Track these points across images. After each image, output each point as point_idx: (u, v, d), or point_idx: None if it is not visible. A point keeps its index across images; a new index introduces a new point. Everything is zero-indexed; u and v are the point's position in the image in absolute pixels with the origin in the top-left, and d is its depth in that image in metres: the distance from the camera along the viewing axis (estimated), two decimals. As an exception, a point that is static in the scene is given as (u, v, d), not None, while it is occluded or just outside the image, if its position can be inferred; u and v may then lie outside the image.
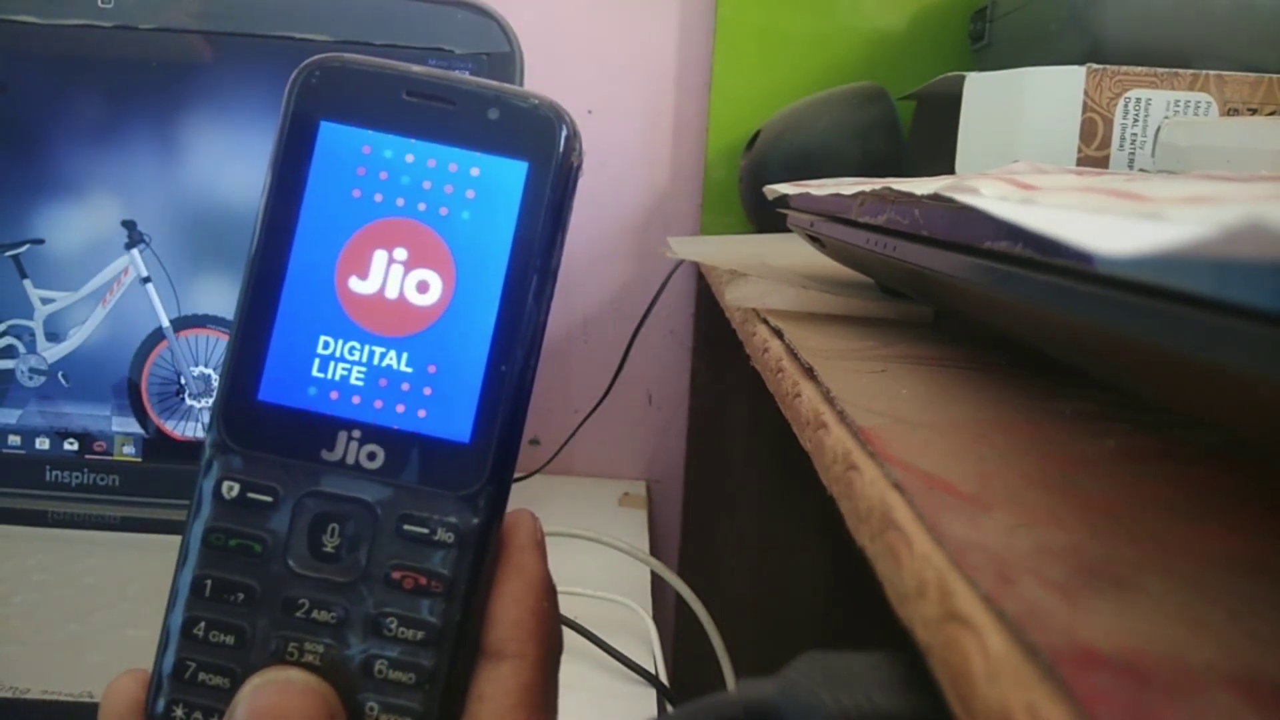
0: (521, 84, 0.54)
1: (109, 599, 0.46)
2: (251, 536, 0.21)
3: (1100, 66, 0.44)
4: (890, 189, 0.26)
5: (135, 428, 0.54)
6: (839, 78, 0.72)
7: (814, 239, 0.38)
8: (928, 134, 0.62)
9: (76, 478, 0.54)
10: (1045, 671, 0.12)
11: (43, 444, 0.54)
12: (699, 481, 0.82)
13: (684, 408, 0.82)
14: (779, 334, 0.33)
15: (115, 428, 0.54)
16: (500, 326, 0.21)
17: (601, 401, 0.77)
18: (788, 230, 0.41)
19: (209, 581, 0.21)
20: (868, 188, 0.28)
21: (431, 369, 0.21)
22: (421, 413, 0.21)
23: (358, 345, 0.21)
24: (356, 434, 0.21)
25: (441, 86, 0.21)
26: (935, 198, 0.22)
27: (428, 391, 0.21)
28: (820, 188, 0.35)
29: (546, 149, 0.21)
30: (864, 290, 0.40)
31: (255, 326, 0.21)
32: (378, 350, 0.21)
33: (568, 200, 0.21)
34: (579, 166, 0.22)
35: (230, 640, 0.21)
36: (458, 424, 0.21)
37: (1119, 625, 0.13)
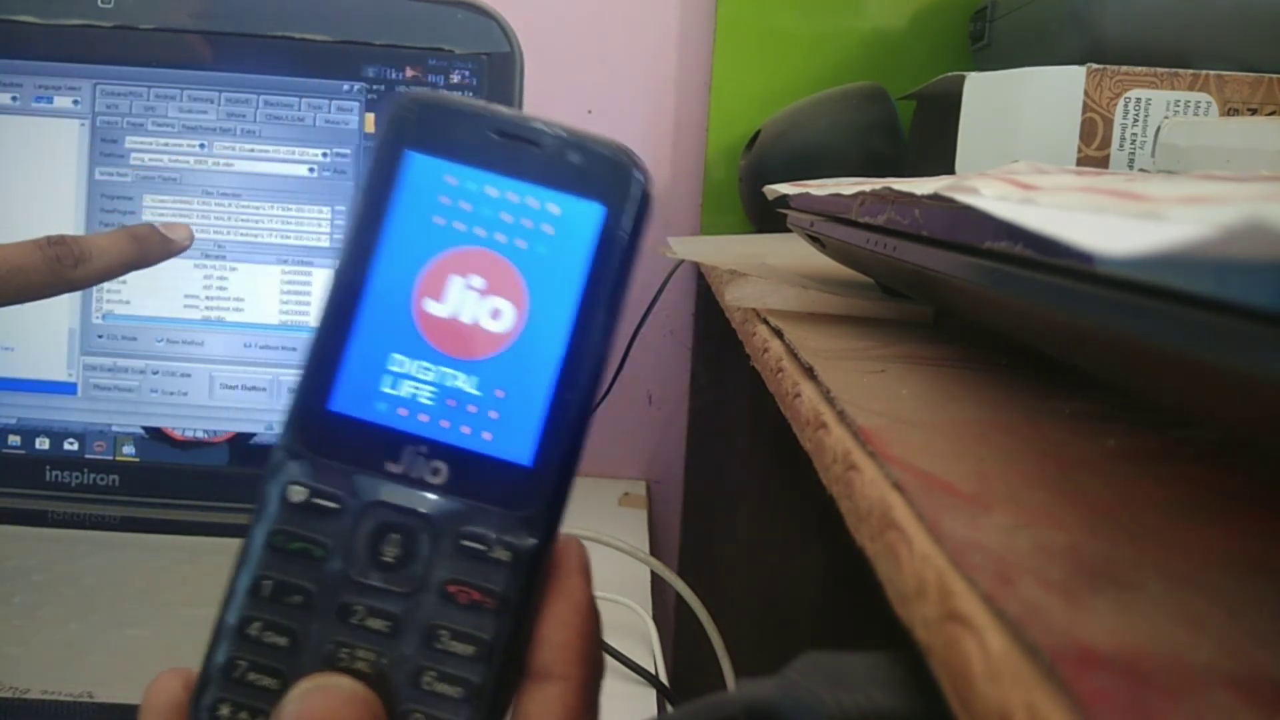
0: (522, 84, 0.54)
1: (109, 599, 0.46)
2: (313, 541, 0.21)
3: (1100, 66, 0.44)
4: (890, 189, 0.26)
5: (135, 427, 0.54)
6: (839, 78, 0.72)
7: (814, 239, 0.38)
8: (928, 134, 0.62)
9: (76, 478, 0.54)
10: (1045, 671, 0.12)
11: (43, 444, 0.54)
12: (699, 481, 0.82)
13: (684, 408, 0.82)
14: (779, 334, 0.33)
15: (115, 427, 0.54)
16: (567, 357, 0.22)
17: (601, 401, 0.77)
18: (788, 230, 0.42)
19: (268, 583, 0.21)
20: (868, 188, 0.28)
21: (499, 393, 0.22)
22: (486, 434, 0.22)
23: (429, 365, 0.22)
24: (422, 449, 0.22)
25: (528, 128, 0.22)
26: (935, 198, 0.22)
27: (494, 414, 0.22)
28: (820, 188, 0.35)
29: (622, 194, 0.22)
30: (864, 290, 0.40)
31: (332, 339, 0.22)
32: (448, 371, 0.22)
33: (638, 243, 0.22)
34: (649, 211, 0.23)
35: (284, 642, 0.21)
36: (521, 447, 0.22)
37: (1119, 625, 0.13)
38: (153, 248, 0.27)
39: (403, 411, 0.22)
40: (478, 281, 0.22)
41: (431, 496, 0.22)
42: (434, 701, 0.21)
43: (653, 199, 0.23)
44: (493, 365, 0.22)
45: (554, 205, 0.22)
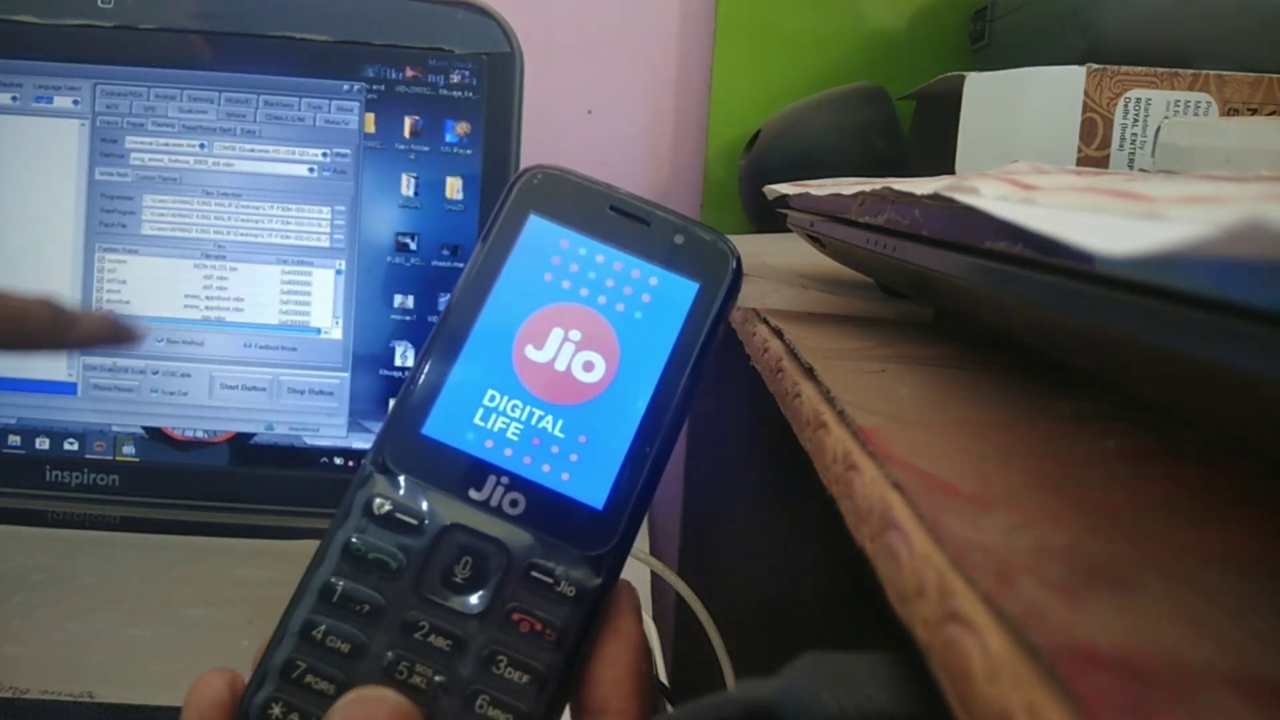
0: (522, 84, 0.54)
1: (109, 599, 0.46)
2: (390, 554, 0.22)
3: (1100, 66, 0.44)
4: (890, 189, 0.26)
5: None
6: (839, 77, 0.72)
7: (814, 239, 0.38)
8: (928, 134, 0.62)
9: (76, 478, 0.54)
10: (1045, 671, 0.12)
11: (43, 444, 0.54)
12: (699, 481, 0.82)
13: (684, 408, 0.82)
14: (779, 334, 0.33)
15: (115, 427, 0.54)
16: (648, 413, 0.23)
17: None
18: (787, 230, 0.41)
19: (340, 588, 0.22)
20: (868, 188, 0.28)
21: (582, 439, 0.23)
22: (565, 475, 0.23)
23: (520, 404, 0.23)
24: (504, 481, 0.23)
25: (640, 209, 0.25)
26: (935, 197, 0.22)
27: (574, 458, 0.23)
28: (820, 187, 0.35)
29: (718, 276, 0.24)
30: (864, 290, 0.39)
31: (435, 368, 0.24)
32: (537, 412, 0.23)
33: (724, 319, 0.24)
34: (738, 294, 0.25)
35: (345, 648, 0.22)
36: (596, 490, 0.23)
37: (1119, 625, 0.13)
38: (121, 336, 0.30)
39: (490, 444, 0.23)
40: (576, 335, 0.24)
41: (508, 526, 0.23)
42: None
43: (741, 283, 0.25)
44: (579, 412, 0.23)
45: (654, 278, 0.24)
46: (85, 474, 0.54)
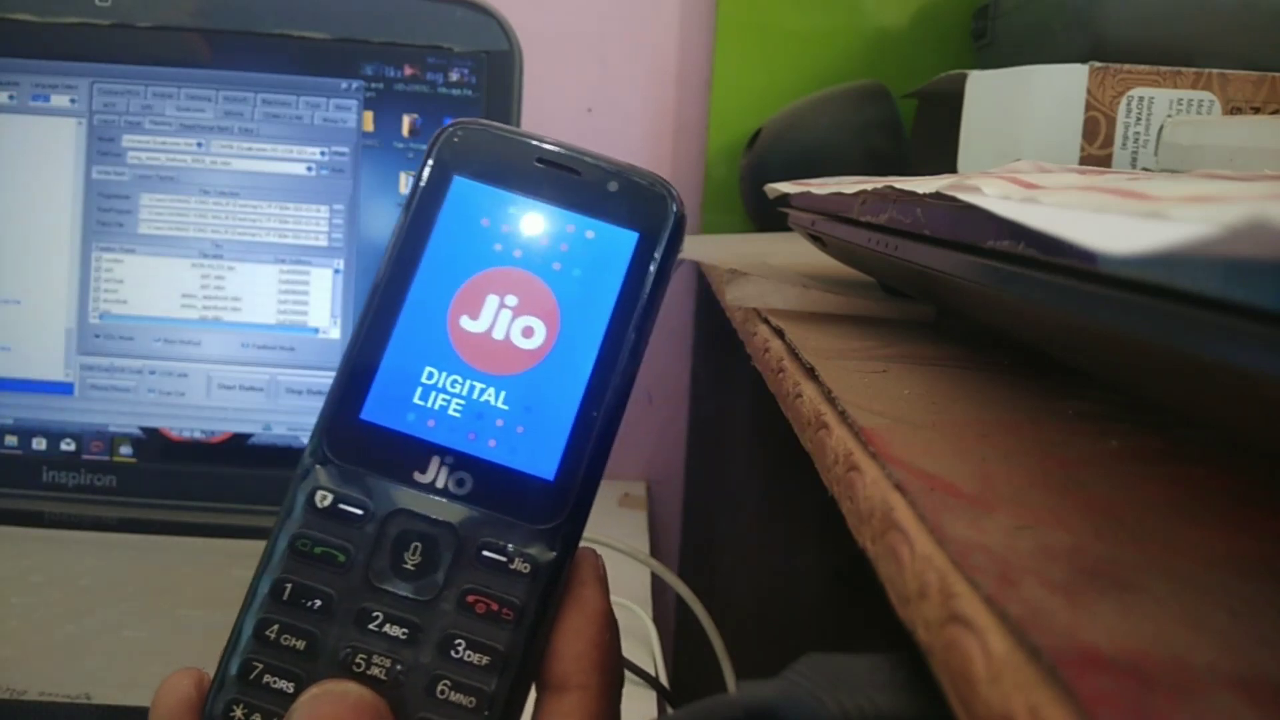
0: (521, 82, 0.54)
1: (106, 600, 0.46)
2: (337, 546, 0.22)
3: (1103, 65, 0.44)
4: (892, 188, 0.26)
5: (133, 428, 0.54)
6: (840, 76, 0.72)
7: (815, 238, 0.37)
8: (930, 132, 0.62)
9: (74, 478, 0.54)
10: (1047, 673, 0.12)
11: (40, 444, 0.54)
12: (699, 481, 0.82)
13: (684, 408, 0.82)
14: (780, 334, 0.33)
15: (112, 428, 0.54)
16: (594, 376, 0.22)
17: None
18: (789, 229, 0.41)
19: (289, 586, 0.22)
20: (869, 186, 0.28)
21: (527, 409, 0.22)
22: (511, 448, 0.22)
23: (460, 379, 0.23)
24: (449, 460, 0.22)
25: (569, 158, 0.23)
26: (937, 196, 0.22)
27: (520, 429, 0.22)
28: (822, 186, 0.35)
29: (657, 223, 0.23)
30: (866, 290, 0.39)
31: (368, 350, 0.23)
32: (478, 386, 0.23)
33: (669, 270, 0.23)
34: (681, 241, 0.23)
35: (301, 645, 0.21)
36: (545, 462, 0.22)
37: (1121, 626, 0.13)
38: None
39: (431, 423, 0.22)
40: (512, 300, 0.23)
41: (455, 507, 0.22)
42: (447, 710, 0.21)
43: (685, 228, 0.23)
44: (522, 382, 0.22)
45: (590, 231, 0.23)
46: (82, 474, 0.54)
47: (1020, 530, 0.16)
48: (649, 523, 0.73)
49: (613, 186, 0.23)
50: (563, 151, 0.23)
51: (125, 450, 0.54)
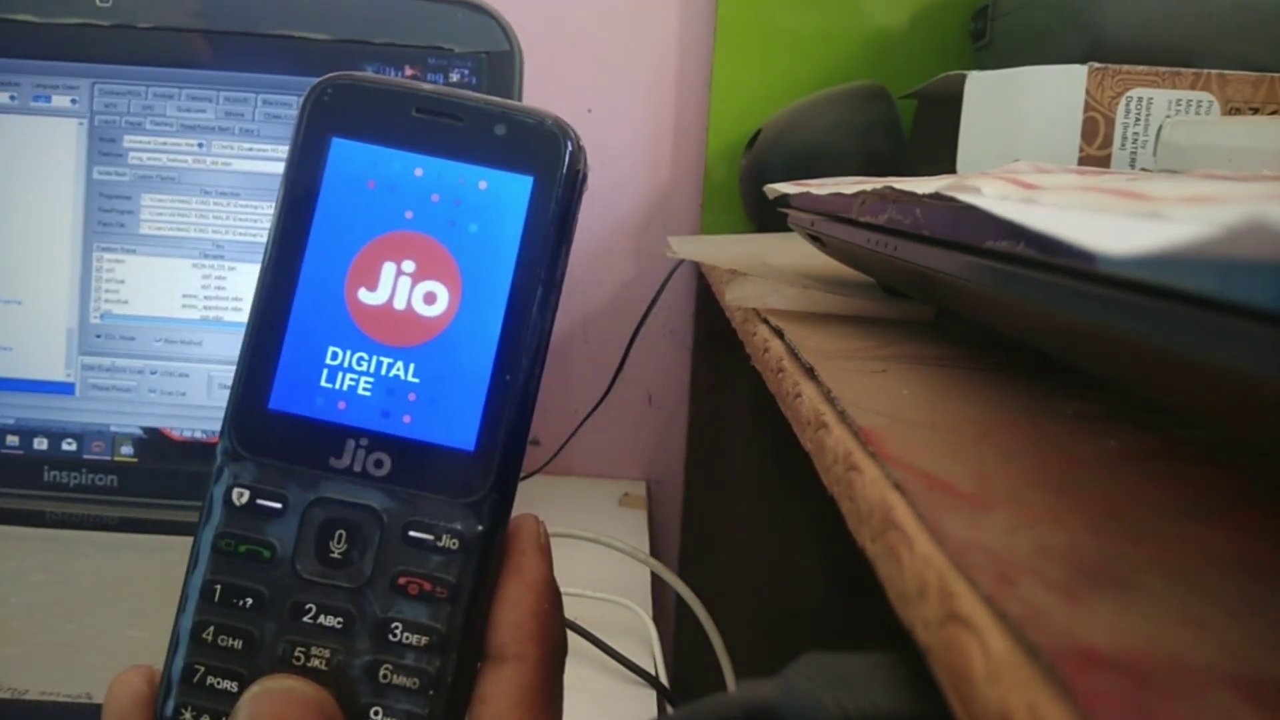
0: (521, 83, 0.54)
1: (107, 599, 0.46)
2: (260, 543, 0.21)
3: (1102, 65, 0.44)
4: (891, 188, 0.26)
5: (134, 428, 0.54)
6: (840, 76, 0.72)
7: (815, 238, 0.38)
8: (929, 133, 0.62)
9: (75, 478, 0.54)
10: (1046, 672, 0.12)
11: (41, 444, 0.54)
12: (699, 481, 0.82)
13: (684, 408, 0.82)
14: (779, 334, 0.33)
15: (114, 428, 0.54)
16: (505, 337, 0.21)
17: (601, 401, 0.77)
18: (788, 230, 0.41)
19: (219, 586, 0.21)
20: (869, 187, 0.28)
21: (438, 379, 0.21)
22: (427, 422, 0.21)
23: (365, 356, 0.22)
24: (364, 442, 0.21)
25: (449, 103, 0.22)
26: (937, 197, 0.22)
27: (434, 401, 0.21)
28: (821, 187, 0.35)
29: (552, 163, 0.22)
30: (865, 290, 0.39)
31: (266, 337, 0.22)
32: (385, 360, 0.22)
33: (572, 213, 0.22)
34: (584, 180, 0.22)
35: (239, 645, 0.21)
36: (463, 432, 0.21)
37: (1120, 626, 0.13)
38: None
39: (342, 405, 0.21)
40: (409, 266, 0.21)
41: (375, 489, 0.21)
42: (393, 694, 0.21)
43: (585, 165, 0.22)
44: (430, 351, 0.21)
45: (482, 181, 0.21)
46: (83, 474, 0.54)
47: (1019, 530, 0.16)
48: (649, 522, 0.73)
49: (500, 130, 0.21)
50: (443, 97, 0.22)
51: (126, 450, 0.54)
